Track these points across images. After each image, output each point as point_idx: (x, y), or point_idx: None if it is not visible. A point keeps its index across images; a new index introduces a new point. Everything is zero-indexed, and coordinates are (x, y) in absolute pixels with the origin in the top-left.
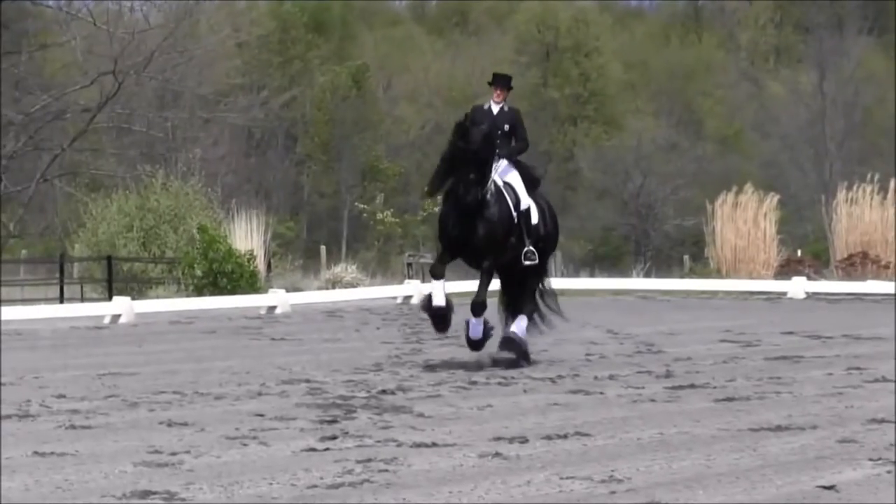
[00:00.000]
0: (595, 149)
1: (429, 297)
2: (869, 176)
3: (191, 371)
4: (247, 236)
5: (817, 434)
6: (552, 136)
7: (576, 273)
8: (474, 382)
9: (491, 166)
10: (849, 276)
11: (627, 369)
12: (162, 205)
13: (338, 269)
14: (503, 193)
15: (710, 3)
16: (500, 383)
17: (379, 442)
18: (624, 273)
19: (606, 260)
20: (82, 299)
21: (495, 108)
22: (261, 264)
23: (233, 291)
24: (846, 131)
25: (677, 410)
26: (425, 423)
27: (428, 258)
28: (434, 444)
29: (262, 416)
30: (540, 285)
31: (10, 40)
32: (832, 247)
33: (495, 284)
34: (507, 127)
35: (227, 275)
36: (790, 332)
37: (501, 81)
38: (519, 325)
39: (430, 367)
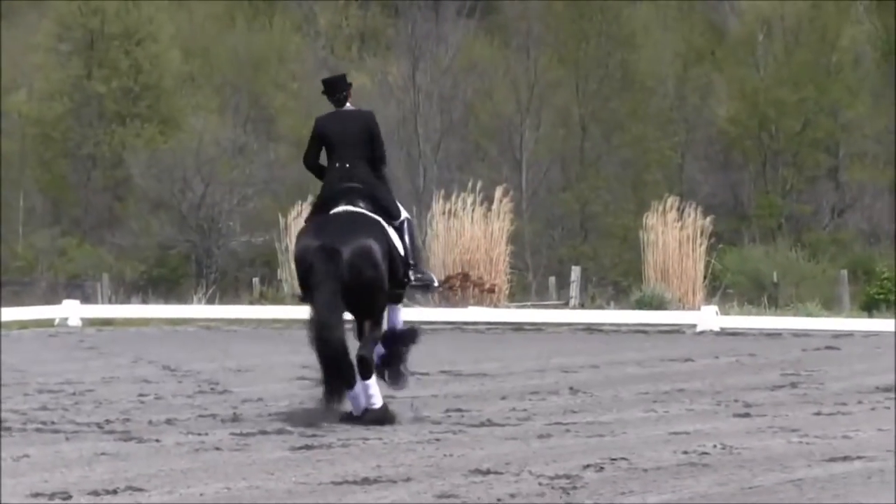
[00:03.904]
0: (148, 152)
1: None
2: (470, 184)
3: None
4: None
5: (412, 487)
6: (97, 137)
7: (126, 299)
8: (8, 429)
9: None
10: (447, 302)
11: (188, 412)
12: None
13: None
14: None
15: None
16: (37, 429)
17: None
18: (183, 299)
19: (163, 283)
20: None
21: None
22: None
23: None
24: (443, 130)
25: (247, 461)
26: None
27: None
28: None
29: None
30: None
31: None
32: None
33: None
34: None
35: None
36: None
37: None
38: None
39: None
